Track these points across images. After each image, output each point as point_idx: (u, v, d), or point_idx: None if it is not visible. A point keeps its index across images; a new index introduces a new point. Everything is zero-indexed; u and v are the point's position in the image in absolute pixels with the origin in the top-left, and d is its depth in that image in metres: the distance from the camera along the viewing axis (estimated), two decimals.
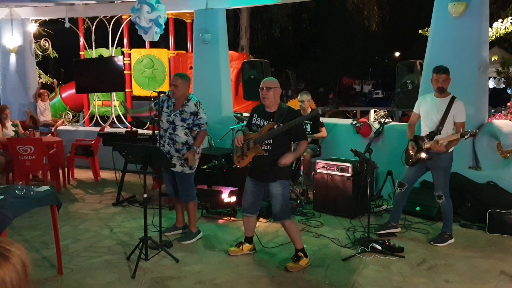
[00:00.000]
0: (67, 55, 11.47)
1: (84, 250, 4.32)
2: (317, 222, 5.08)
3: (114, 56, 8.78)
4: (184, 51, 9.70)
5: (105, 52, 9.28)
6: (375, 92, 25.33)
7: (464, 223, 4.99)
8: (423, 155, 4.35)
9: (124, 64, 8.66)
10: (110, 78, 8.44)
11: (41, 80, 9.95)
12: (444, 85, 4.32)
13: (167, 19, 7.27)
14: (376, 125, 6.16)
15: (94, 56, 9.19)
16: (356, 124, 6.45)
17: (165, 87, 8.76)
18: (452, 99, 4.33)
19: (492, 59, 7.90)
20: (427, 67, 5.69)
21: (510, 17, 7.19)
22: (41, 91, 9.01)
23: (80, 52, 9.28)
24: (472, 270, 3.84)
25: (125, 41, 9.06)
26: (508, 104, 6.47)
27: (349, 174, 5.23)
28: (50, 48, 10.14)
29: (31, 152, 6.21)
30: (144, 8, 6.70)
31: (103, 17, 8.91)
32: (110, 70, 8.46)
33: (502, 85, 10.73)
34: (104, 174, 7.49)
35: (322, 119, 6.55)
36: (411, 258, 4.07)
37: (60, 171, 6.84)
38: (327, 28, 21.78)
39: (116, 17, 8.94)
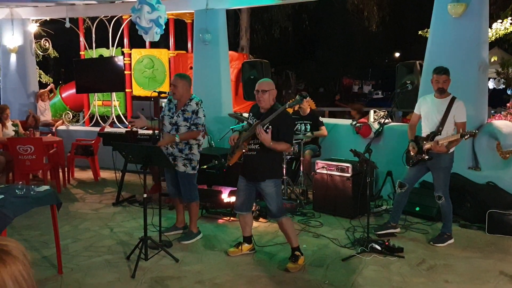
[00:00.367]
0: (67, 55, 11.48)
1: (84, 249, 4.33)
2: (316, 222, 5.09)
3: (114, 56, 8.79)
4: (184, 51, 9.70)
5: (105, 52, 9.28)
6: (375, 93, 25.32)
7: (464, 224, 4.99)
8: (424, 155, 4.36)
9: (124, 64, 8.67)
10: (110, 78, 8.45)
11: (44, 83, 9.93)
12: (445, 86, 4.33)
13: (168, 19, 7.28)
14: (376, 126, 6.16)
15: (94, 56, 9.19)
16: (356, 124, 6.46)
17: (165, 87, 8.77)
18: (452, 100, 4.34)
19: (492, 59, 7.90)
20: (426, 68, 5.70)
21: (509, 18, 7.20)
22: (41, 91, 9.02)
23: (81, 52, 9.29)
24: (472, 270, 3.84)
25: (126, 41, 9.07)
26: (508, 105, 6.48)
27: (348, 175, 5.23)
28: (51, 48, 10.14)
29: (31, 152, 6.21)
30: (144, 8, 6.71)
31: (104, 17, 8.91)
32: (110, 70, 8.47)
33: (502, 86, 10.73)
34: (104, 174, 7.50)
35: (321, 119, 6.57)
36: (411, 258, 4.08)
37: (60, 171, 6.84)
38: (327, 28, 21.77)
39: (116, 17, 8.94)
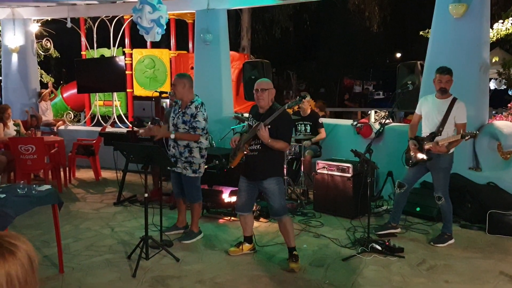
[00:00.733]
0: (68, 55, 11.49)
1: (85, 249, 4.34)
2: (317, 222, 5.09)
3: (115, 56, 8.81)
4: (185, 52, 9.71)
5: (106, 52, 9.30)
6: (376, 93, 25.30)
7: (464, 224, 5.00)
8: (423, 156, 4.36)
9: (125, 64, 8.68)
10: (112, 78, 8.46)
11: (45, 82, 9.94)
12: (447, 86, 4.33)
13: (169, 19, 7.29)
14: (376, 126, 6.17)
15: (95, 56, 9.21)
16: (356, 124, 6.47)
17: (166, 87, 8.78)
18: (453, 101, 4.34)
19: (493, 60, 7.89)
20: (427, 68, 5.70)
21: (511, 18, 7.19)
22: (42, 90, 9.04)
23: (82, 52, 9.31)
24: (472, 271, 3.85)
25: (127, 41, 9.08)
26: (509, 105, 6.47)
27: (349, 175, 5.24)
28: (52, 48, 10.16)
29: (33, 152, 6.23)
30: (145, 9, 6.72)
31: (105, 17, 8.93)
32: (111, 70, 8.48)
33: (503, 87, 10.72)
34: (105, 174, 7.51)
35: (321, 120, 6.57)
36: (411, 259, 4.08)
37: (62, 171, 6.86)
38: (328, 28, 21.76)
39: (117, 17, 8.96)
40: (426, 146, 4.35)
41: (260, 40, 17.77)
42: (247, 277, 3.73)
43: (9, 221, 3.19)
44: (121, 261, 4.02)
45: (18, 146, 6.23)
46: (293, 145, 6.03)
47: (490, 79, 9.99)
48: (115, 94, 9.00)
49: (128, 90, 9.02)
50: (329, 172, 5.40)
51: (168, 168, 4.48)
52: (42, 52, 10.15)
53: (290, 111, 4.37)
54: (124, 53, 9.01)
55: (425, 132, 4.47)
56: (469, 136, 4.12)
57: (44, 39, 9.83)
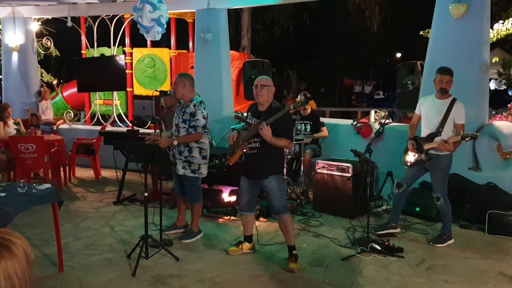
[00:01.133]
0: (69, 54, 11.50)
1: (85, 248, 4.34)
2: (317, 222, 5.10)
3: (115, 55, 8.81)
4: (185, 51, 9.71)
5: (106, 51, 9.30)
6: (376, 93, 25.30)
7: (464, 224, 5.00)
8: (423, 156, 4.37)
9: (125, 63, 8.69)
10: (112, 77, 8.47)
11: (46, 81, 9.94)
12: (447, 86, 4.33)
13: (169, 18, 7.30)
14: (376, 126, 6.17)
15: (95, 55, 9.21)
16: (356, 124, 6.47)
17: (166, 87, 8.78)
18: (453, 101, 4.34)
19: (493, 60, 7.90)
20: (428, 68, 5.71)
21: (511, 19, 7.19)
22: (43, 90, 9.04)
23: (82, 51, 9.31)
24: (471, 271, 3.85)
25: (127, 40, 9.08)
26: (509, 105, 6.47)
27: (349, 175, 5.24)
28: (52, 47, 10.16)
29: (33, 150, 6.23)
30: (146, 8, 6.73)
31: (105, 16, 8.93)
32: (111, 69, 8.49)
33: (503, 87, 10.72)
34: (105, 173, 7.52)
35: (322, 119, 6.57)
36: (410, 258, 4.09)
37: (61, 170, 6.87)
38: (328, 28, 21.76)
39: (118, 16, 8.95)
40: (426, 146, 4.35)
41: (260, 39, 17.78)
42: (246, 276, 3.73)
43: (9, 219, 3.20)
44: (121, 260, 4.03)
45: (18, 145, 6.23)
46: (292, 145, 6.03)
47: (490, 79, 9.99)
48: (115, 93, 9.00)
49: (128, 89, 9.02)
50: (329, 172, 5.40)
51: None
52: (43, 51, 10.15)
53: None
54: (124, 52, 9.02)
55: (425, 132, 4.47)
56: (469, 138, 4.12)
57: (45, 38, 9.84)
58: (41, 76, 10.60)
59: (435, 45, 5.74)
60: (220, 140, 6.97)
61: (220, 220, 5.22)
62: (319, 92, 23.73)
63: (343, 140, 6.56)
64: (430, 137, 4.37)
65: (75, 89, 9.59)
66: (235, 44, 14.36)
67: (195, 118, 4.31)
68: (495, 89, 12.87)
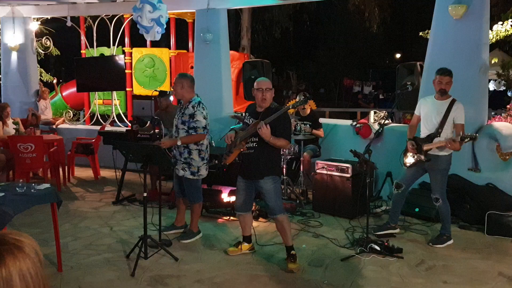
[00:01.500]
0: (68, 54, 11.50)
1: (84, 248, 4.34)
2: (316, 222, 5.10)
3: (115, 55, 8.80)
4: (185, 51, 9.71)
5: (106, 51, 9.30)
6: (375, 93, 25.33)
7: (463, 225, 5.00)
8: (422, 157, 4.37)
9: (125, 63, 8.68)
10: (111, 77, 8.46)
11: (45, 81, 9.94)
12: (447, 87, 4.33)
13: (169, 18, 7.29)
14: (376, 126, 6.17)
15: (95, 55, 9.21)
16: (356, 125, 6.47)
17: (166, 87, 8.78)
18: (452, 102, 4.34)
19: (493, 61, 7.90)
20: (427, 69, 5.71)
21: (510, 20, 7.20)
22: (43, 89, 9.04)
23: (82, 51, 9.31)
24: (470, 272, 3.85)
25: (127, 40, 9.08)
26: (508, 106, 6.47)
27: (348, 175, 5.24)
28: (52, 47, 10.16)
29: (32, 150, 6.22)
30: (146, 8, 6.72)
31: (105, 16, 8.93)
32: (111, 69, 8.48)
33: (503, 88, 10.71)
34: (104, 173, 7.51)
35: (321, 120, 6.57)
36: (410, 259, 4.09)
37: (61, 169, 6.86)
38: (328, 29, 21.79)
39: (117, 16, 8.95)
40: (425, 147, 4.35)
41: (260, 40, 17.79)
42: (246, 276, 3.73)
43: (8, 219, 3.19)
44: (120, 260, 4.02)
45: (17, 144, 6.22)
46: (292, 145, 6.03)
47: (490, 80, 9.99)
48: (114, 93, 9.00)
49: (127, 89, 9.02)
50: (328, 172, 5.40)
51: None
52: (42, 50, 10.14)
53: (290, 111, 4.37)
54: (123, 52, 9.01)
55: (424, 133, 4.47)
56: (468, 139, 4.11)
57: (44, 38, 9.83)
58: (41, 75, 10.60)
59: (435, 46, 5.74)
60: (220, 140, 6.96)
61: (220, 220, 5.21)
62: (319, 92, 23.74)
63: (343, 140, 6.56)
64: (430, 138, 4.37)
65: (74, 89, 9.59)
66: (235, 44, 14.36)
67: (195, 119, 4.29)
68: (494, 90, 12.86)
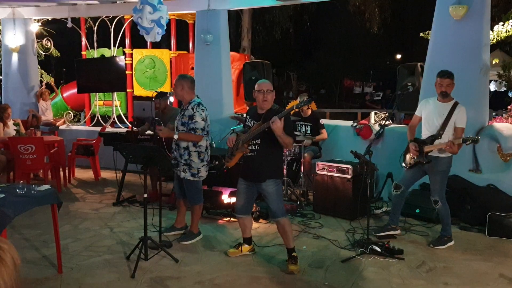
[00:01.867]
0: (69, 55, 11.49)
1: (84, 249, 4.33)
2: (317, 224, 5.09)
3: (115, 56, 8.81)
4: (185, 52, 9.71)
5: (107, 52, 9.30)
6: (376, 94, 25.34)
7: (464, 226, 4.99)
8: (422, 158, 4.36)
9: (125, 64, 8.68)
10: (112, 78, 8.47)
11: (44, 82, 9.94)
12: (448, 89, 4.32)
13: (169, 19, 7.29)
14: (376, 127, 6.16)
15: (96, 56, 9.21)
16: (356, 126, 6.46)
17: (166, 88, 8.78)
18: (455, 105, 4.33)
19: (493, 62, 7.91)
20: (428, 70, 5.70)
21: (511, 20, 7.20)
22: (42, 90, 9.04)
23: (82, 52, 9.31)
24: (471, 273, 3.84)
25: (127, 41, 9.09)
26: (509, 107, 6.46)
27: (349, 176, 5.23)
28: (52, 48, 10.16)
29: (32, 151, 6.22)
30: (146, 9, 6.71)
31: (105, 17, 8.93)
32: (111, 70, 8.48)
33: (503, 88, 10.70)
34: (105, 174, 7.51)
35: (322, 121, 6.57)
36: (411, 260, 4.08)
37: (61, 171, 6.85)
38: (328, 30, 21.80)
39: (118, 17, 8.96)
40: (426, 149, 4.34)
41: (261, 41, 17.81)
42: (246, 278, 3.72)
43: (8, 221, 3.19)
44: (120, 262, 4.02)
45: (17, 145, 6.22)
46: (292, 146, 6.02)
47: (490, 81, 9.98)
48: (115, 94, 9.00)
49: (128, 90, 9.02)
50: (329, 173, 5.39)
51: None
52: (43, 51, 10.15)
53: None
54: (124, 53, 9.01)
55: (425, 134, 4.46)
56: (470, 141, 4.11)
57: (45, 39, 9.83)
58: (41, 77, 10.60)
59: (435, 46, 5.74)
60: (220, 141, 6.96)
61: (220, 221, 5.21)
62: (319, 93, 23.75)
63: (343, 141, 6.55)
64: (430, 139, 4.36)
65: (75, 90, 9.58)
66: (235, 45, 14.37)
67: (194, 120, 4.28)
68: (495, 90, 12.84)
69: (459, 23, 5.45)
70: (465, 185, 5.23)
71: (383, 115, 6.52)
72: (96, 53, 9.26)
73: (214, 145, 6.82)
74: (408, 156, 4.55)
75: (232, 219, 5.20)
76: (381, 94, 24.18)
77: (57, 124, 8.78)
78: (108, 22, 8.97)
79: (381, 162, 5.75)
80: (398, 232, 4.73)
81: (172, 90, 4.43)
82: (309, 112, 6.49)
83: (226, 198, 5.36)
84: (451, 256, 4.22)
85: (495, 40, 7.34)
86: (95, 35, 9.09)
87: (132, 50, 9.11)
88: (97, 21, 9.11)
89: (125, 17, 8.91)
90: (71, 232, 4.82)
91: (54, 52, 10.68)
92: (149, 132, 5.94)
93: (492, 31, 7.00)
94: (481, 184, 5.26)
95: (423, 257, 4.17)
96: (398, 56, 24.94)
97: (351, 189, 5.19)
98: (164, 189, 6.15)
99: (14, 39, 8.83)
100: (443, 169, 4.38)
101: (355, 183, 5.19)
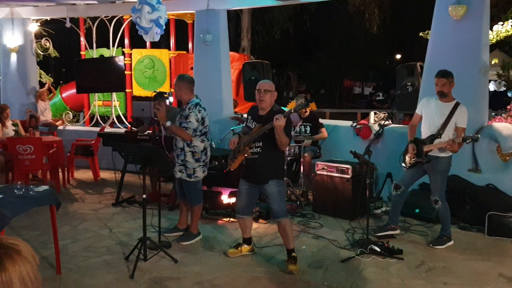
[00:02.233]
0: (68, 55, 11.49)
1: (83, 250, 4.32)
2: (316, 224, 5.08)
3: (115, 56, 8.80)
4: (185, 52, 9.71)
5: (106, 52, 9.29)
6: (376, 94, 25.34)
7: (463, 226, 4.99)
8: (422, 158, 4.35)
9: (124, 64, 8.67)
10: (111, 78, 8.46)
11: (48, 82, 9.92)
12: (444, 89, 4.30)
13: (168, 19, 7.28)
14: (376, 127, 6.16)
15: (95, 56, 9.20)
16: (356, 126, 6.46)
17: (165, 88, 8.77)
18: (456, 105, 4.32)
19: (493, 62, 7.91)
20: (427, 70, 5.70)
21: (510, 20, 7.20)
22: (41, 90, 9.03)
23: (81, 52, 9.30)
24: (471, 273, 3.83)
25: (126, 41, 9.08)
26: (508, 107, 6.46)
27: (348, 176, 5.23)
28: (51, 48, 10.15)
29: (31, 152, 6.21)
30: (144, 9, 6.70)
31: (104, 17, 8.92)
32: (110, 70, 8.48)
33: (503, 88, 10.72)
34: (104, 174, 7.49)
35: (321, 120, 6.56)
36: (410, 260, 4.07)
37: (60, 171, 6.84)
38: (328, 30, 21.80)
39: (117, 17, 8.95)
40: (426, 148, 4.33)
41: (260, 41, 17.80)
42: (245, 278, 3.71)
43: (6, 222, 3.18)
44: (119, 262, 4.01)
45: (16, 146, 6.21)
46: (292, 146, 6.02)
47: (490, 81, 9.99)
48: (114, 94, 8.99)
49: (127, 90, 9.01)
50: (329, 173, 5.39)
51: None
52: (41, 52, 10.13)
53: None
54: (123, 53, 9.01)
55: (425, 133, 4.46)
56: (470, 140, 4.10)
57: (43, 39, 9.82)
58: (40, 77, 10.59)
59: (435, 46, 5.73)
60: (220, 141, 6.96)
61: (219, 222, 5.20)
62: (319, 93, 23.75)
63: (343, 141, 6.54)
64: (430, 139, 4.35)
65: (74, 90, 9.57)
66: (235, 45, 14.38)
67: (188, 120, 4.26)
68: (495, 90, 12.85)
69: (459, 23, 5.45)
70: (465, 185, 5.22)
71: (382, 115, 6.51)
72: (95, 53, 9.25)
73: (213, 145, 6.81)
74: (407, 156, 4.54)
75: (231, 219, 5.19)
76: (380, 94, 24.17)
77: (56, 124, 8.76)
78: (107, 22, 8.96)
79: (381, 162, 5.75)
80: (397, 232, 4.73)
81: (172, 90, 4.43)
82: (307, 113, 6.48)
83: (226, 198, 5.35)
84: (450, 256, 4.21)
85: (494, 40, 7.34)
86: (94, 35, 9.08)
87: (131, 50, 9.10)
88: (96, 21, 9.10)
89: (124, 17, 8.90)
90: (70, 232, 4.81)
91: (53, 52, 10.66)
92: (148, 132, 5.93)
93: (492, 31, 7.00)
94: (480, 184, 5.25)
95: (422, 257, 4.16)
96: (398, 56, 24.94)
97: (351, 189, 5.18)
98: (164, 190, 6.15)
99: (13, 39, 8.81)
100: (443, 169, 4.37)
101: (354, 183, 5.18)
